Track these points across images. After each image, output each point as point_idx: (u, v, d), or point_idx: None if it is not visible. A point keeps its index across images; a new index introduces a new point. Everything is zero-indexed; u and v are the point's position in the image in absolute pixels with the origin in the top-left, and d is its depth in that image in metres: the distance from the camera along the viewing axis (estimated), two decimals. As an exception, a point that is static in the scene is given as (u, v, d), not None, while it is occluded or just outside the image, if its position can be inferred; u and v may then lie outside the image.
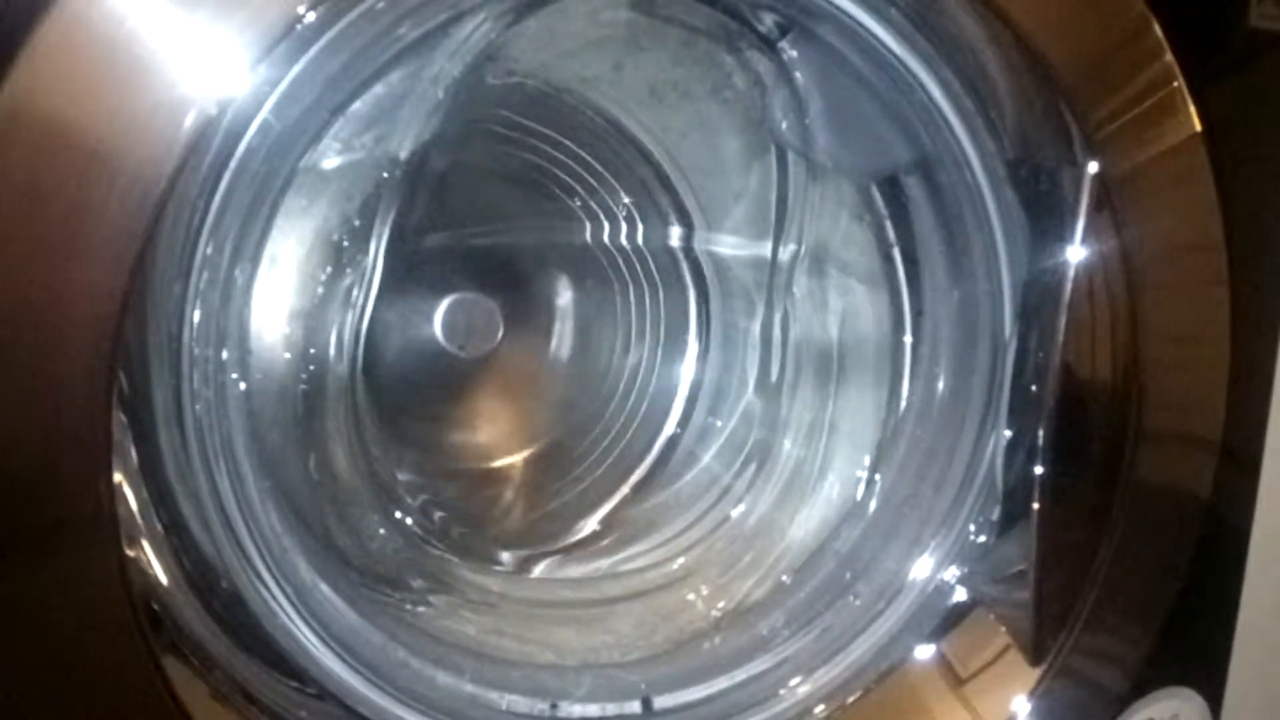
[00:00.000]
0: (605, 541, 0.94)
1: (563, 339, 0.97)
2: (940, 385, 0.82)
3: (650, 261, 0.96)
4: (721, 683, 0.79)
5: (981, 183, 0.74)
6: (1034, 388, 0.74)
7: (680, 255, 0.95)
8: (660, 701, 0.77)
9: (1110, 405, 0.73)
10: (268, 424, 0.73)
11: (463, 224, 0.89)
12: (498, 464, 0.95)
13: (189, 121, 0.51)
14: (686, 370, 0.98)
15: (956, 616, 0.79)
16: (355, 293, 0.79)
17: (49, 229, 0.50)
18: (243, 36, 0.52)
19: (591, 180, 0.91)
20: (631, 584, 0.90)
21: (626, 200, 0.93)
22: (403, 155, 0.75)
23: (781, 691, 0.78)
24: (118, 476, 0.54)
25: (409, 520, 0.86)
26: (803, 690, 0.78)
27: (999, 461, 0.77)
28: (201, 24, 0.51)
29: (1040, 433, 0.73)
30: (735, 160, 0.90)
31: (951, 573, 0.80)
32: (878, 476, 0.86)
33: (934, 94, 0.72)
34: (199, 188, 0.58)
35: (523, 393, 0.96)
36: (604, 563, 0.92)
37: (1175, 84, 0.70)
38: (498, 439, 0.96)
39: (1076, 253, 0.71)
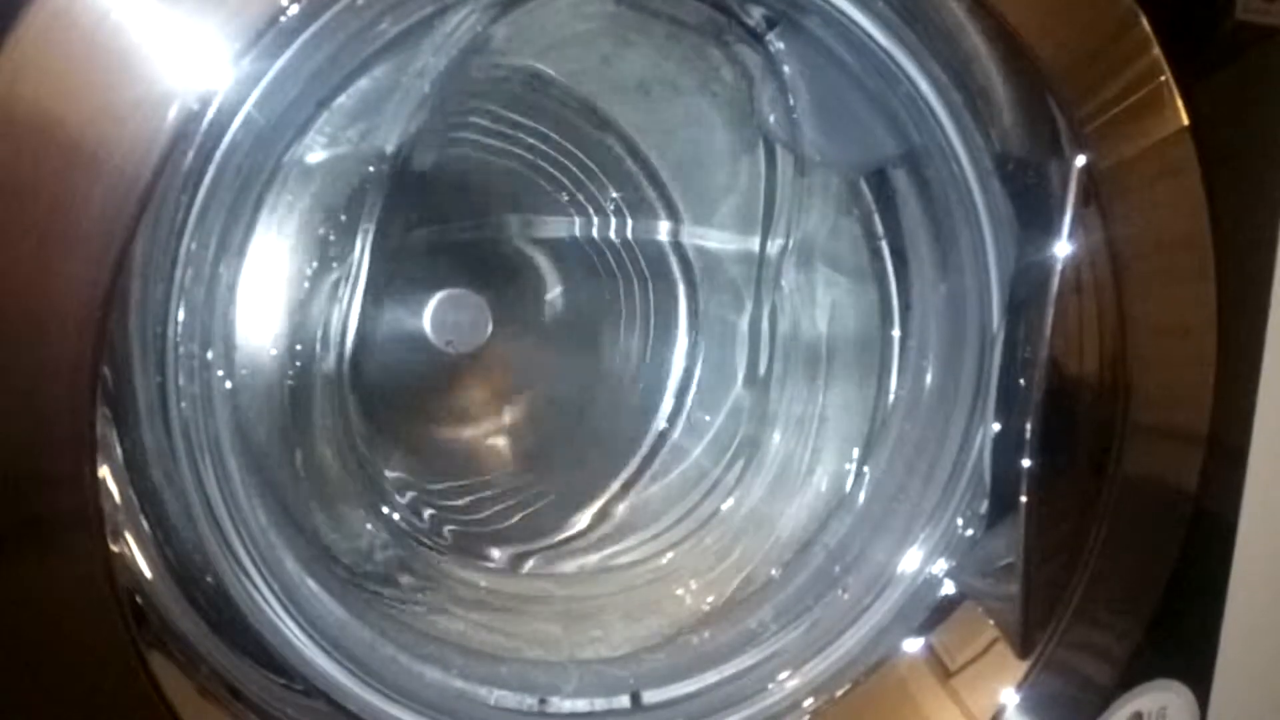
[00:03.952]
0: (595, 537, 0.94)
1: (551, 334, 0.97)
2: (928, 379, 0.82)
3: (639, 256, 0.95)
4: (711, 677, 0.79)
5: (969, 176, 0.74)
6: (1021, 381, 0.74)
7: (668, 249, 0.95)
8: (649, 696, 0.78)
9: (1097, 399, 0.73)
10: (254, 420, 0.73)
11: (450, 219, 0.89)
12: (486, 460, 0.95)
13: (172, 115, 0.51)
14: (675, 364, 0.98)
15: (945, 609, 0.79)
16: (342, 288, 0.78)
17: (31, 224, 0.50)
18: (226, 30, 0.52)
19: (579, 174, 0.91)
20: (621, 579, 0.90)
21: (614, 195, 0.93)
22: (389, 149, 0.75)
23: (770, 685, 0.78)
24: (102, 471, 0.54)
25: (397, 516, 0.86)
26: (792, 684, 0.78)
27: (987, 455, 0.77)
28: (184, 18, 0.51)
29: (1028, 426, 0.73)
30: (723, 154, 0.90)
31: (940, 566, 0.80)
32: (866, 470, 0.86)
33: (921, 87, 0.72)
34: (182, 183, 0.58)
35: (511, 389, 0.96)
36: (593, 558, 0.92)
37: (1162, 78, 0.70)
38: (486, 435, 0.96)
39: (1063, 247, 0.71)
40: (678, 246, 0.95)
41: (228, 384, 0.68)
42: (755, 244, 0.90)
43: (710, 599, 0.86)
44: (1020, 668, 0.76)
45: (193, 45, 0.51)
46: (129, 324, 0.58)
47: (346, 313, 0.79)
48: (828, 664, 0.79)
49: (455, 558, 0.87)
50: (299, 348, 0.77)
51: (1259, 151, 0.76)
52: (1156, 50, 0.69)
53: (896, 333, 0.85)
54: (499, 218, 0.92)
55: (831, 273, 0.89)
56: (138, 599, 0.57)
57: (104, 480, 0.54)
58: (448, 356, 0.89)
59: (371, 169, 0.76)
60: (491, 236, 0.92)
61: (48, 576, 0.53)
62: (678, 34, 0.82)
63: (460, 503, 0.92)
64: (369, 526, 0.82)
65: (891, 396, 0.85)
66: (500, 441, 0.96)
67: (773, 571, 0.86)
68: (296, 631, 0.66)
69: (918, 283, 0.83)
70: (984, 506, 0.78)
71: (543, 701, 0.75)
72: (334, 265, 0.77)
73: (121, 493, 0.58)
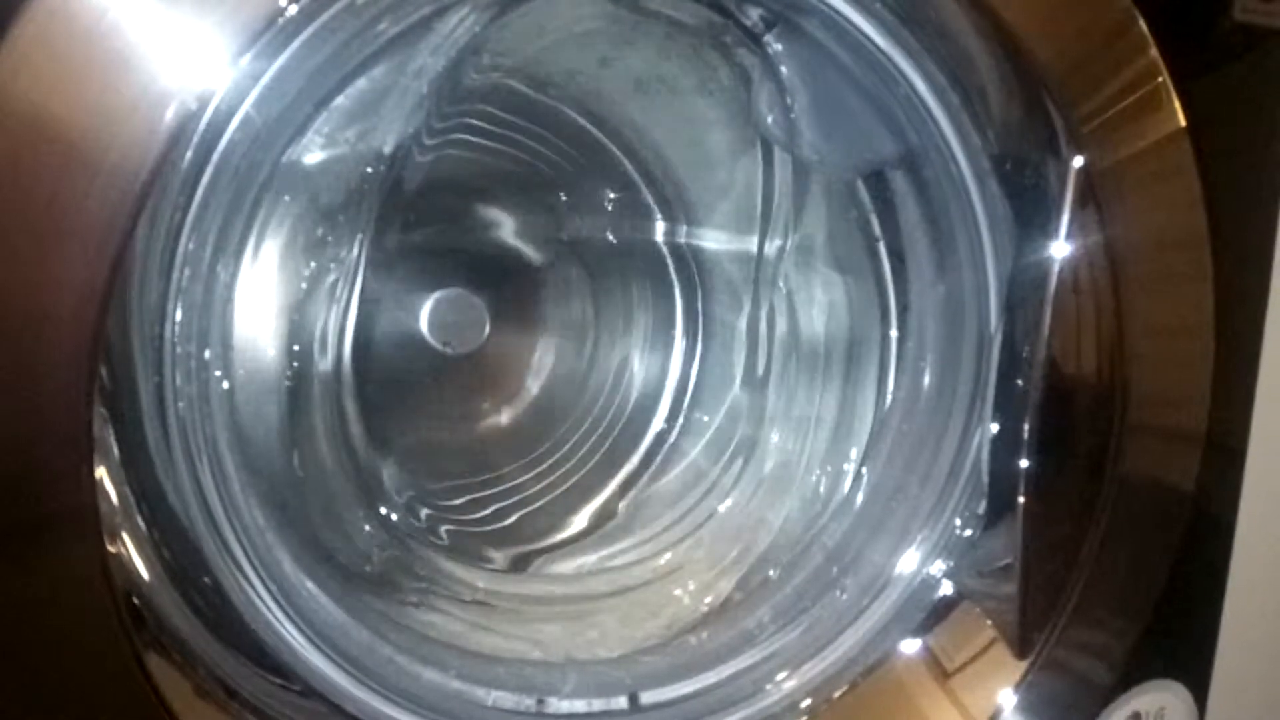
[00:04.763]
0: (592, 537, 0.94)
1: (549, 335, 0.97)
2: (926, 379, 0.82)
3: (636, 256, 0.95)
4: (708, 678, 0.79)
5: (967, 177, 0.74)
6: (1019, 382, 0.74)
7: (666, 250, 0.95)
8: (647, 697, 0.77)
9: (1095, 399, 0.73)
10: (251, 421, 0.72)
11: (448, 219, 0.89)
12: (484, 460, 0.95)
13: (170, 115, 0.51)
14: (673, 365, 0.98)
15: (943, 610, 0.79)
16: (340, 289, 0.78)
17: (28, 222, 0.49)
18: (224, 30, 0.52)
19: (577, 175, 0.91)
20: (618, 580, 0.90)
21: (612, 195, 0.93)
22: (386, 150, 0.75)
23: (768, 686, 0.78)
24: (100, 471, 0.54)
25: (395, 517, 0.86)
26: (789, 685, 0.78)
27: (985, 455, 0.77)
28: (183, 17, 0.51)
29: (1026, 427, 0.73)
30: (721, 155, 0.90)
31: (938, 566, 0.80)
32: (864, 470, 0.86)
33: (919, 88, 0.72)
34: (180, 182, 0.58)
35: (509, 389, 0.96)
36: (591, 559, 0.92)
37: (1160, 79, 0.70)
38: (484, 436, 0.96)
39: (1061, 247, 0.71)
40: (675, 247, 0.95)
41: (225, 384, 0.68)
42: (753, 244, 0.90)
43: (708, 600, 0.86)
44: (1018, 668, 0.76)
45: (191, 44, 0.51)
46: (127, 323, 0.58)
47: (344, 313, 0.79)
48: (825, 665, 0.79)
49: (453, 558, 0.87)
50: (297, 348, 0.77)
51: (1257, 152, 0.76)
52: (1154, 51, 0.69)
53: (894, 333, 0.85)
54: (496, 218, 0.92)
55: (829, 273, 0.89)
56: (135, 600, 0.57)
57: (101, 480, 0.54)
58: (445, 357, 0.89)
59: (369, 170, 0.76)
60: (489, 237, 0.92)
61: (44, 577, 0.53)
62: (676, 35, 0.82)
63: (458, 502, 0.92)
64: (367, 527, 0.82)
65: (889, 397, 0.85)
66: (498, 442, 0.96)
67: (770, 572, 0.86)
68: (294, 632, 0.66)
69: (916, 283, 0.83)
70: (982, 507, 0.78)
71: (540, 702, 0.75)
72: (331, 266, 0.77)
73: (119, 493, 0.58)
